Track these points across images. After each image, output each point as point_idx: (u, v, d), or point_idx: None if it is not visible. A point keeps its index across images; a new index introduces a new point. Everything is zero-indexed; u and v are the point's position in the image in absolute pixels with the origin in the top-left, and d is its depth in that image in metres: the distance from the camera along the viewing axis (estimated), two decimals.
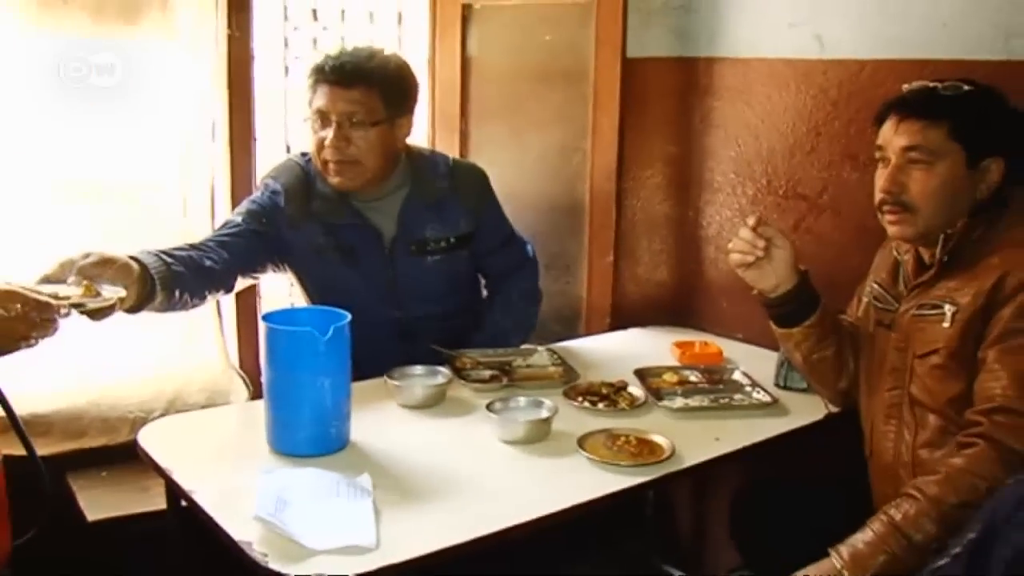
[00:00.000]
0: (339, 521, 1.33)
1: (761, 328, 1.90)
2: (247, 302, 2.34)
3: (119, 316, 1.55)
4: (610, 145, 2.37)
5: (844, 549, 1.37)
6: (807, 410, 1.85)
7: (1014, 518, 0.93)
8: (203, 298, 1.84)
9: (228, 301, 2.30)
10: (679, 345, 2.20)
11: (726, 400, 1.89)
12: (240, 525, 1.31)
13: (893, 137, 1.54)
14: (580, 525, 1.51)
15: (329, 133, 1.93)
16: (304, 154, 2.08)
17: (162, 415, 2.05)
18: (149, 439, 1.64)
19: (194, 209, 2.18)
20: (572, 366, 2.03)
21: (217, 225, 2.08)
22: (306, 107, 1.99)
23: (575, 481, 1.52)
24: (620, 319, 2.47)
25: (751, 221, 1.66)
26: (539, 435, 1.66)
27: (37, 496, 1.53)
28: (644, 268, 2.53)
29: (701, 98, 2.37)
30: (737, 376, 2.01)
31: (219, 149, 2.23)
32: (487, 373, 1.96)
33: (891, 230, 1.58)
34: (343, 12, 2.81)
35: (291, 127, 2.68)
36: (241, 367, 2.32)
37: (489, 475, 1.54)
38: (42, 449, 1.76)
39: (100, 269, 1.52)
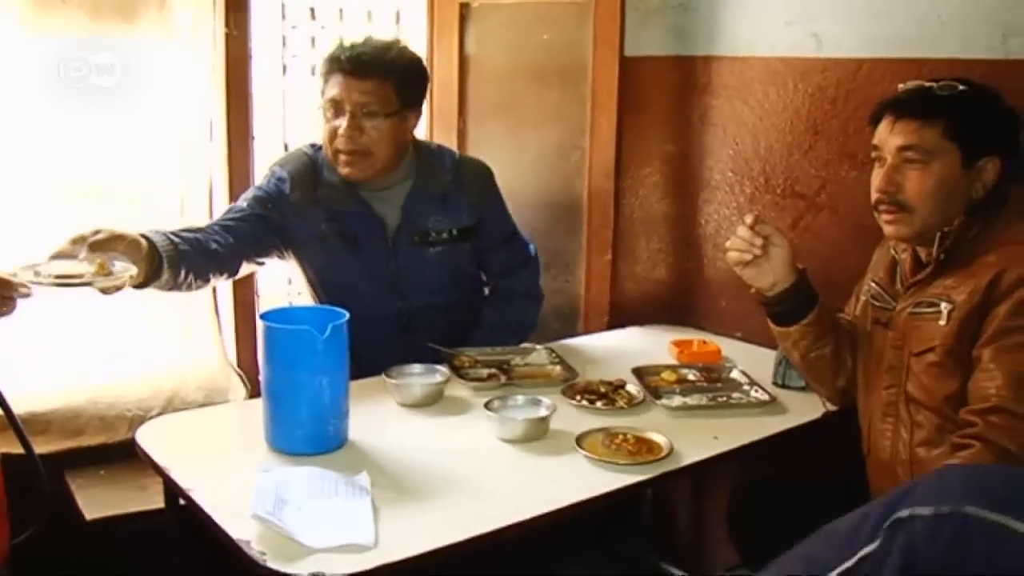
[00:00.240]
0: (337, 519, 1.33)
1: (759, 326, 1.91)
2: (245, 301, 2.34)
3: (119, 316, 1.56)
4: (608, 143, 2.37)
5: None
6: (805, 408, 1.85)
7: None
8: (207, 280, 1.86)
9: (226, 300, 2.30)
10: (677, 344, 2.20)
11: (724, 399, 1.89)
12: (238, 523, 1.31)
13: (889, 137, 1.54)
14: (574, 524, 1.51)
15: (342, 122, 1.95)
16: (314, 144, 2.09)
17: (160, 414, 2.06)
18: (147, 437, 1.64)
19: (192, 208, 2.18)
20: (570, 364, 2.03)
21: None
22: (318, 95, 1.99)
23: (573, 480, 1.52)
24: (618, 317, 2.47)
25: (749, 219, 1.66)
26: (537, 434, 1.66)
27: (35, 494, 1.54)
28: (642, 266, 2.53)
29: (699, 97, 2.37)
30: (735, 375, 2.01)
31: (217, 148, 2.22)
32: (485, 371, 1.96)
33: (887, 230, 1.58)
34: (341, 11, 2.80)
35: (289, 126, 2.68)
36: (239, 365, 2.32)
37: (487, 474, 1.54)
38: (40, 447, 1.77)
39: (111, 244, 1.56)
